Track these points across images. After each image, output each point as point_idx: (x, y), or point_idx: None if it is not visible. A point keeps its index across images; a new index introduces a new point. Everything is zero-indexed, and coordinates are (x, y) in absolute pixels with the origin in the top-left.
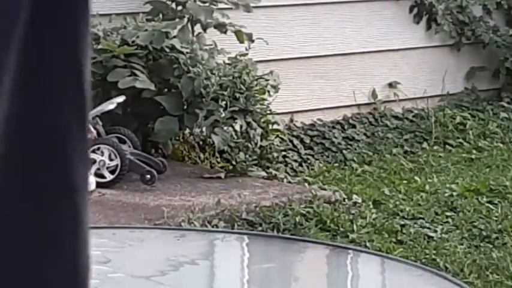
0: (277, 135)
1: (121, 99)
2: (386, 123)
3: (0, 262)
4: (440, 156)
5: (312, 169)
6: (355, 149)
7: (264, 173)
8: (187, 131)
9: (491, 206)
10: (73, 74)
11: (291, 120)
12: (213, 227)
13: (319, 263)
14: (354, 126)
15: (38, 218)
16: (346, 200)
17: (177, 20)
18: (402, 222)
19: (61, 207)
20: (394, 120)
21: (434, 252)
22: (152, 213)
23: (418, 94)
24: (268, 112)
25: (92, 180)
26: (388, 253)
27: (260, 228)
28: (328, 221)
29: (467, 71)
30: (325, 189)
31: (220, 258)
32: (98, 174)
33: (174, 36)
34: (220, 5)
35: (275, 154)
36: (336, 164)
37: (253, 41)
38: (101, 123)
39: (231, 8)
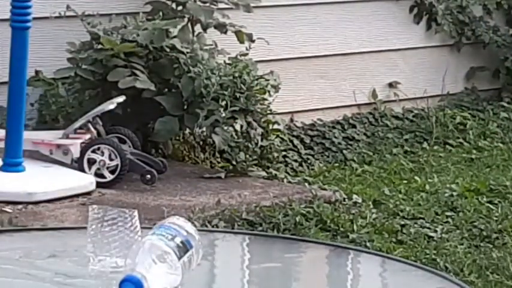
0: (278, 135)
1: (121, 99)
2: (387, 123)
3: None
4: (440, 156)
5: (312, 169)
6: (355, 149)
7: (264, 173)
8: (187, 131)
9: (491, 206)
10: None
11: (291, 120)
12: (213, 227)
13: (319, 263)
14: (354, 126)
15: None
16: (346, 200)
17: (177, 19)
18: (402, 222)
19: None
20: (394, 120)
21: (434, 252)
22: (152, 213)
23: (418, 94)
24: (269, 112)
25: (92, 180)
26: (388, 253)
27: (260, 228)
28: (328, 221)
29: (467, 71)
30: (325, 189)
31: (220, 258)
32: (98, 174)
33: (175, 36)
34: (221, 5)
35: (275, 154)
36: (336, 164)
37: (253, 41)
38: (101, 123)
39: (231, 8)
